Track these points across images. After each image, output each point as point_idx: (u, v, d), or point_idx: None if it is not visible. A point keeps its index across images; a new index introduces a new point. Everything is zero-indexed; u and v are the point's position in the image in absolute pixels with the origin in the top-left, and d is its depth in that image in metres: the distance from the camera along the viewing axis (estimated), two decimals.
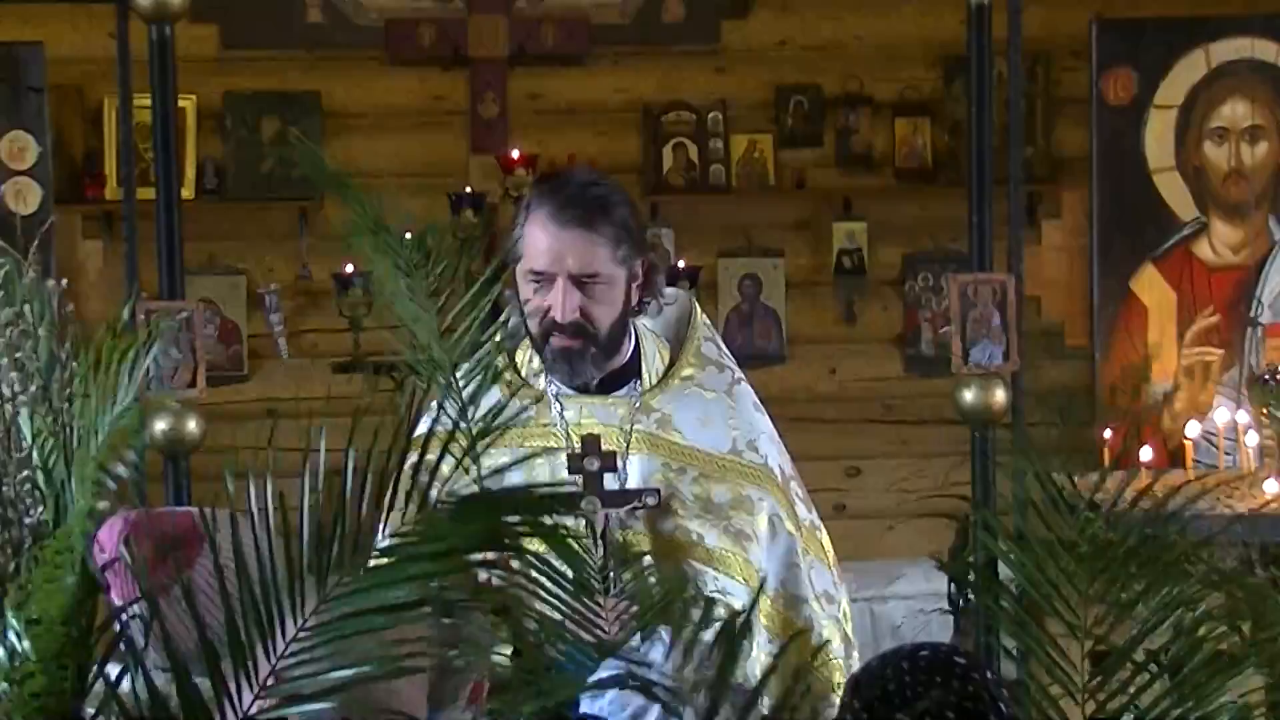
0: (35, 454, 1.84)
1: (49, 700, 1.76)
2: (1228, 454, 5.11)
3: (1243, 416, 5.09)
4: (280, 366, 6.70)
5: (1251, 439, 4.95)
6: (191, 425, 4.30)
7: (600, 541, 2.97)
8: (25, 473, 1.84)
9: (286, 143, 6.70)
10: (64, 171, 6.31)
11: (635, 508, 3.00)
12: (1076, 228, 5.48)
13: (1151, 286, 5.53)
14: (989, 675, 2.25)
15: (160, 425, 4.24)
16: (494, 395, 3.16)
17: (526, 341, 3.15)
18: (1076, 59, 6.07)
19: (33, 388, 1.85)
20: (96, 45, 5.64)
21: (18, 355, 1.86)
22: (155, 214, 4.33)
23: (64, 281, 1.96)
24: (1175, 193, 5.56)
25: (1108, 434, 5.04)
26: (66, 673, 1.76)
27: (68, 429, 1.85)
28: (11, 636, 1.76)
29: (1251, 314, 5.55)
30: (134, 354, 1.82)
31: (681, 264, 6.31)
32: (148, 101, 4.36)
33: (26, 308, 1.88)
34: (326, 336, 6.58)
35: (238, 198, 6.69)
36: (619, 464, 3.03)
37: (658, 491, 3.02)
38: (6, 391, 1.85)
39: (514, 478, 3.05)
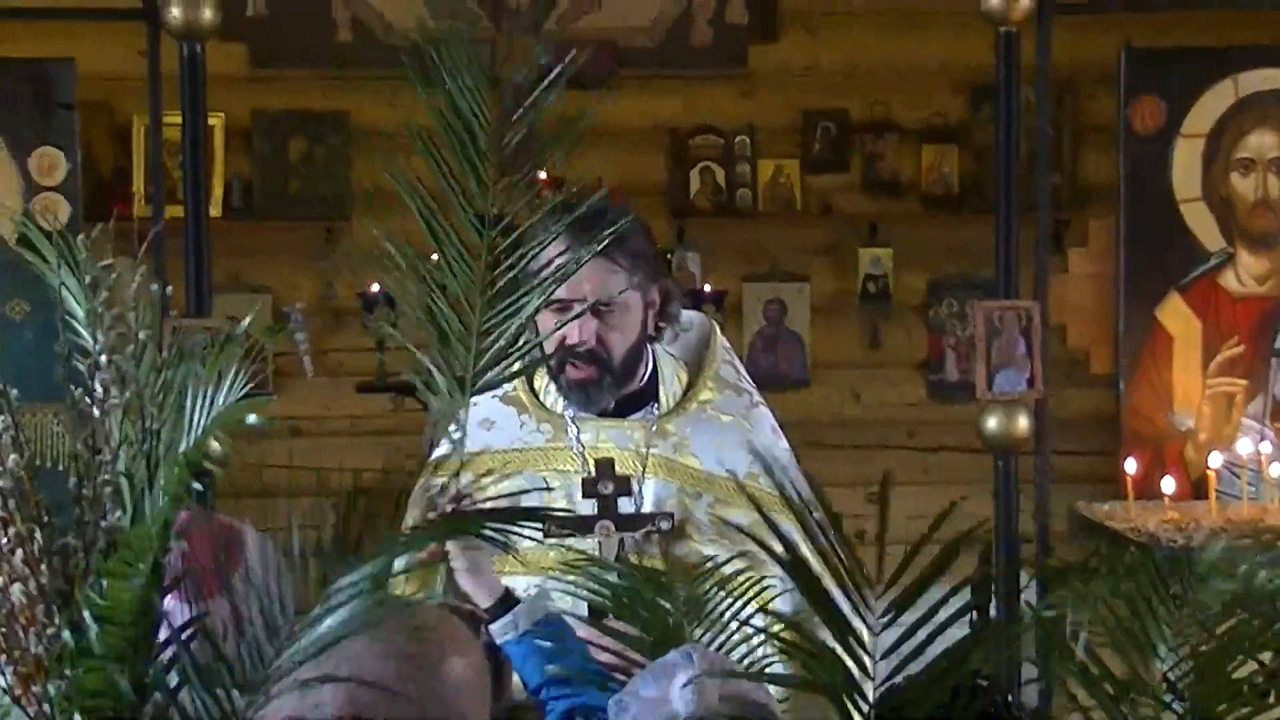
0: (122, 457, 1.85)
1: (105, 700, 1.77)
2: (1251, 485, 5.09)
3: (1266, 447, 5.07)
4: (305, 385, 6.72)
5: (1275, 470, 4.93)
6: (215, 443, 4.31)
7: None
8: (107, 475, 1.85)
9: (314, 162, 6.73)
10: (92, 188, 6.34)
11: (649, 531, 3.01)
12: (1102, 256, 5.47)
13: (1177, 316, 5.51)
14: (1012, 701, 2.25)
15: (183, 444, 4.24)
16: (511, 418, 3.18)
17: (544, 367, 3.16)
18: (1104, 87, 6.06)
19: (127, 393, 1.86)
20: (127, 62, 5.66)
21: (115, 358, 1.87)
22: (183, 231, 4.34)
23: (169, 288, 1.98)
24: (1201, 222, 5.54)
25: (1131, 463, 5.02)
26: (126, 673, 1.77)
27: (156, 435, 1.86)
28: (71, 633, 1.77)
29: (1276, 345, 5.53)
30: (229, 363, 1.84)
31: (707, 288, 6.31)
32: (177, 119, 4.38)
33: (130, 313, 1.90)
34: (351, 356, 6.60)
35: (264, 216, 6.71)
36: (634, 488, 3.03)
37: (671, 516, 3.02)
38: (100, 393, 1.86)
39: (529, 502, 3.06)
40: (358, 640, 1.83)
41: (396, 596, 2.05)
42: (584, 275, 3.00)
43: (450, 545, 2.79)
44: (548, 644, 2.74)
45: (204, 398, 1.86)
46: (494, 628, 2.76)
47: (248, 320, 1.91)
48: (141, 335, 1.89)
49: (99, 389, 1.86)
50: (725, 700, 2.23)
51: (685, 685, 2.22)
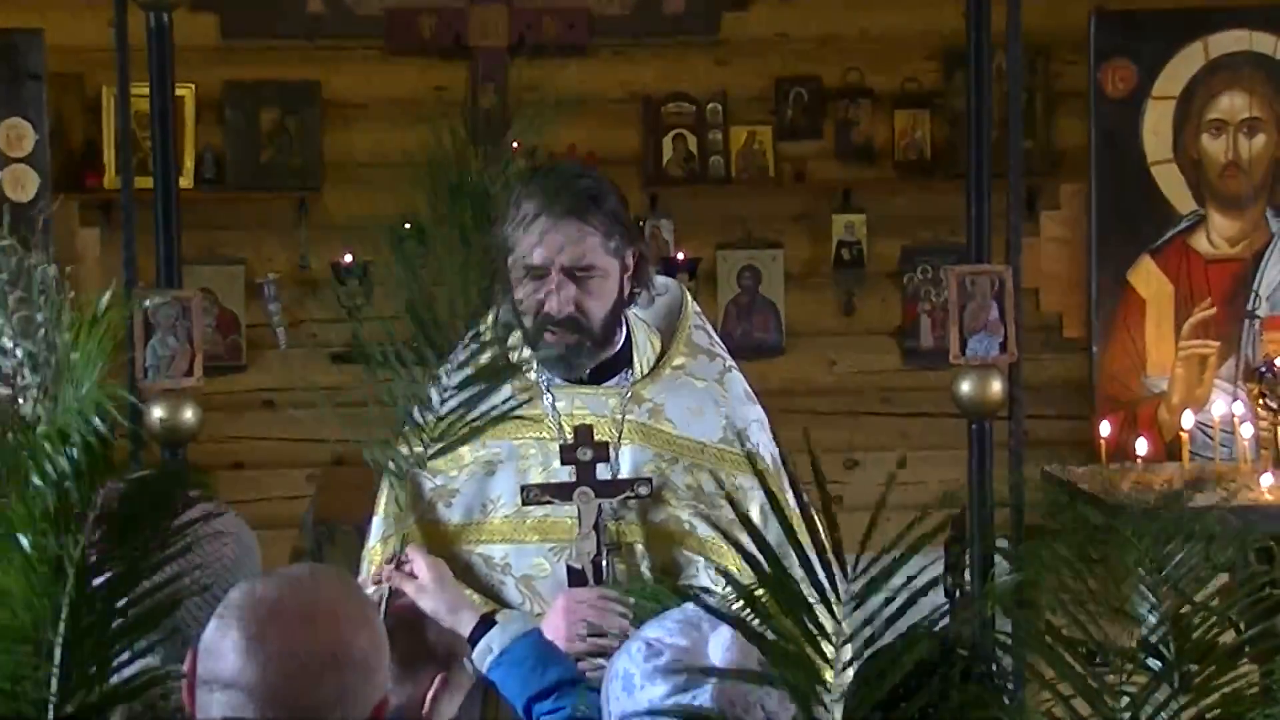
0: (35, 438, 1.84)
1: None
2: (1224, 446, 5.11)
3: (1239, 408, 5.09)
4: (278, 356, 6.71)
5: (1247, 430, 4.95)
6: (189, 415, 4.30)
7: (594, 532, 2.97)
8: (26, 453, 1.84)
9: (286, 133, 6.70)
10: (62, 160, 6.31)
11: (628, 497, 3.01)
12: (1075, 220, 5.47)
13: (1149, 279, 5.53)
14: (994, 665, 2.25)
15: (158, 414, 4.23)
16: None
17: (517, 334, 3.15)
18: (1076, 52, 6.06)
19: (39, 375, 1.86)
20: (96, 33, 5.63)
21: (21, 341, 1.86)
22: (153, 203, 4.32)
23: (68, 269, 1.97)
24: (1173, 185, 5.55)
25: (1104, 426, 5.04)
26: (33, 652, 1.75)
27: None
28: None
29: (1249, 307, 5.55)
30: (104, 340, 1.82)
31: (681, 255, 6.31)
32: (146, 90, 4.36)
33: (36, 294, 1.89)
34: (325, 326, 6.59)
35: (237, 187, 6.69)
36: (611, 454, 3.03)
37: (650, 481, 3.02)
38: (8, 370, 1.86)
39: (506, 470, 3.06)
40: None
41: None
42: (559, 241, 2.99)
43: (419, 564, 2.76)
44: (529, 659, 2.73)
45: (85, 376, 1.85)
46: (474, 655, 2.75)
47: (106, 296, 1.89)
48: (40, 317, 1.88)
49: (9, 371, 1.86)
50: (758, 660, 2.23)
51: (724, 639, 2.22)
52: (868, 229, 6.83)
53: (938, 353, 5.62)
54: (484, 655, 2.73)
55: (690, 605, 2.33)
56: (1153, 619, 2.17)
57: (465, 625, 2.71)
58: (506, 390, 3.11)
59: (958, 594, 4.89)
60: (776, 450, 3.20)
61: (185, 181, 6.47)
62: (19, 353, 1.86)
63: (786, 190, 6.87)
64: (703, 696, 2.18)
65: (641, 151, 6.81)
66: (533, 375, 3.13)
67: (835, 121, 6.86)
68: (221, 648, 1.91)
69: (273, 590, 1.95)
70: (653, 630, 2.30)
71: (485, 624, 2.75)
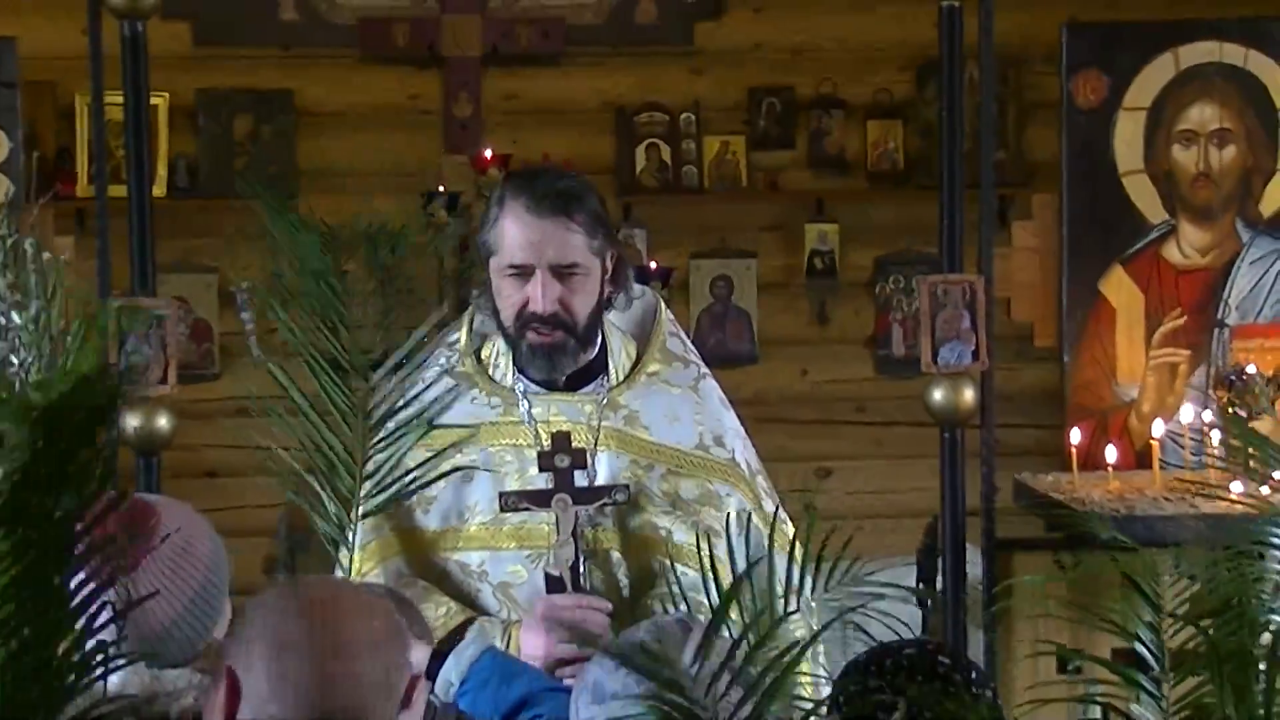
0: None
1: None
2: (1194, 454, 5.13)
3: (1209, 416, 5.12)
4: (251, 365, 6.69)
5: (1217, 438, 4.97)
6: (163, 422, 4.30)
7: (571, 538, 2.98)
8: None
9: (260, 141, 6.70)
10: (36, 168, 6.30)
11: (605, 504, 3.02)
12: (1046, 230, 5.49)
13: (1120, 288, 5.55)
14: (972, 673, 2.27)
15: (132, 422, 4.23)
16: (461, 393, 3.18)
17: (493, 340, 3.16)
18: (1049, 63, 6.08)
19: (30, 359, 1.87)
20: (70, 41, 5.62)
21: (13, 328, 1.87)
22: (128, 211, 4.33)
23: (64, 255, 1.98)
24: (1144, 195, 5.58)
25: (1075, 434, 5.06)
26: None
27: None
28: None
29: (1219, 315, 5.58)
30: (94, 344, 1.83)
31: (654, 265, 6.32)
32: (120, 98, 4.36)
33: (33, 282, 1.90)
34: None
35: (210, 195, 6.68)
36: (588, 461, 3.04)
37: (627, 488, 3.03)
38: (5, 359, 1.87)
39: (483, 476, 3.07)
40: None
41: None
42: (544, 239, 3.00)
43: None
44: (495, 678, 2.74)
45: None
46: (436, 689, 2.75)
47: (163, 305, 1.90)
48: (35, 307, 1.89)
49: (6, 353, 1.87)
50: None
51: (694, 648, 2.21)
52: (841, 239, 6.86)
53: (910, 362, 5.64)
54: (446, 688, 2.74)
55: (662, 615, 2.34)
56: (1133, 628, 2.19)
57: (420, 663, 2.71)
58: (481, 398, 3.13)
59: (929, 604, 4.91)
60: (754, 456, 3.22)
61: (158, 190, 6.45)
62: (16, 318, 1.86)
63: (760, 200, 6.89)
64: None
65: (615, 161, 6.82)
66: (508, 381, 3.13)
67: (808, 131, 6.88)
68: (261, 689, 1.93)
69: (300, 626, 1.97)
70: (636, 636, 2.31)
71: (439, 656, 2.76)
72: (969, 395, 4.42)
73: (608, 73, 6.82)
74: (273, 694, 1.91)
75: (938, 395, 4.42)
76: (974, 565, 4.49)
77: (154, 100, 6.19)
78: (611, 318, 3.18)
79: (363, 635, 1.96)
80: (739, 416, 3.25)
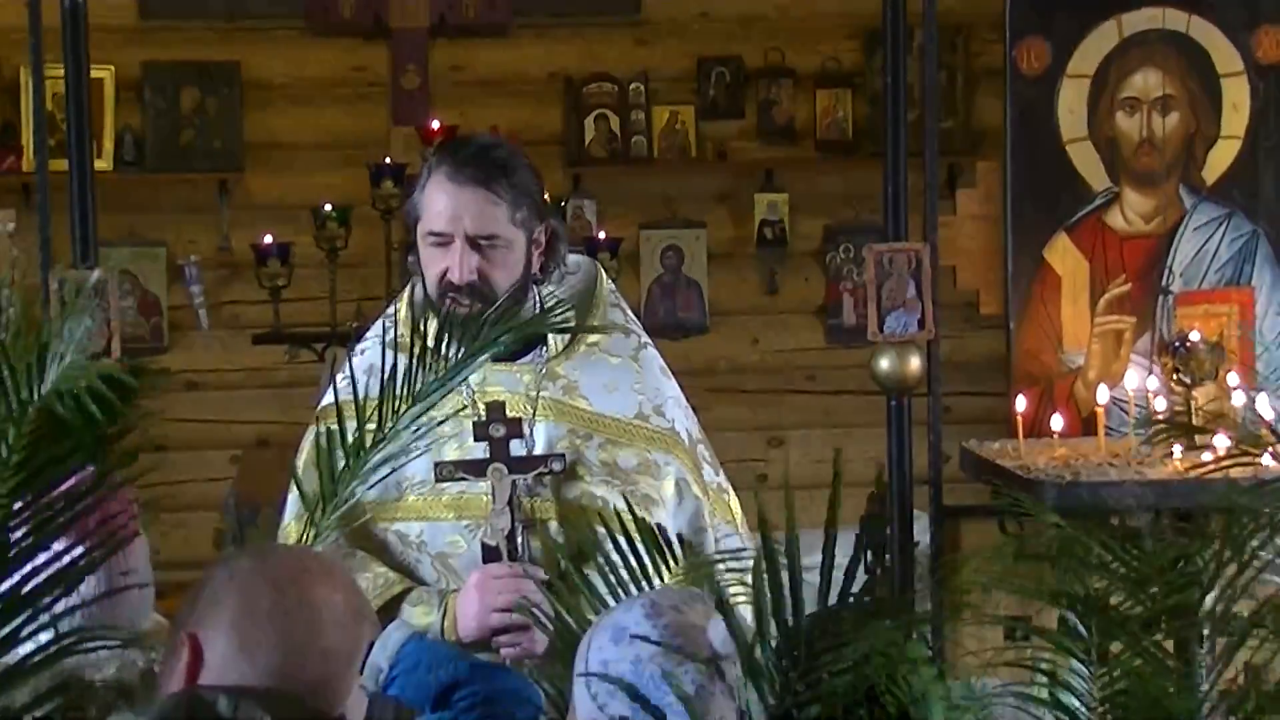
0: None
1: None
2: (1139, 422, 5.16)
3: (1153, 382, 5.15)
4: (200, 338, 6.68)
5: (1161, 404, 5.00)
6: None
7: (508, 508, 2.98)
8: None
9: (206, 114, 6.67)
10: None
11: (542, 474, 3.02)
12: (991, 198, 5.51)
13: (1065, 256, 5.57)
14: (914, 634, 2.28)
15: None
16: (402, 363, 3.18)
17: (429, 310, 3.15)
18: (995, 31, 6.10)
19: None
20: (12, 14, 5.58)
21: None
22: (68, 184, 4.31)
23: (10, 227, 1.98)
24: (1088, 162, 5.60)
25: (1021, 401, 5.08)
26: None
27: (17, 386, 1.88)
28: None
29: (1163, 282, 5.61)
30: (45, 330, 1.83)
31: (603, 235, 6.32)
32: (63, 72, 4.34)
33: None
34: (247, 308, 6.56)
35: (157, 169, 6.65)
36: (525, 430, 3.04)
37: (563, 457, 3.03)
38: None
39: (418, 446, 3.06)
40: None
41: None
42: (463, 208, 2.99)
43: None
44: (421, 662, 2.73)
45: (55, 352, 1.86)
46: (364, 680, 2.75)
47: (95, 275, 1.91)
48: (5, 290, 1.89)
49: None
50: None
51: (720, 627, 2.18)
52: (790, 208, 6.87)
53: (860, 331, 5.65)
54: (375, 675, 2.73)
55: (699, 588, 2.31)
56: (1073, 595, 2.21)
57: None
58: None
59: (878, 571, 4.92)
60: (694, 426, 3.22)
61: (104, 163, 6.43)
62: None
63: (709, 170, 6.89)
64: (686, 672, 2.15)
65: (564, 132, 6.81)
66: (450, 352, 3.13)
67: (757, 101, 6.88)
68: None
69: (271, 593, 1.98)
70: (663, 597, 2.29)
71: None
72: (915, 363, 4.44)
73: (555, 43, 6.81)
74: (238, 660, 1.91)
75: (884, 363, 4.44)
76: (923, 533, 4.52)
77: (99, 74, 6.16)
78: (551, 287, 3.18)
79: (331, 606, 1.98)
80: (681, 386, 3.26)
